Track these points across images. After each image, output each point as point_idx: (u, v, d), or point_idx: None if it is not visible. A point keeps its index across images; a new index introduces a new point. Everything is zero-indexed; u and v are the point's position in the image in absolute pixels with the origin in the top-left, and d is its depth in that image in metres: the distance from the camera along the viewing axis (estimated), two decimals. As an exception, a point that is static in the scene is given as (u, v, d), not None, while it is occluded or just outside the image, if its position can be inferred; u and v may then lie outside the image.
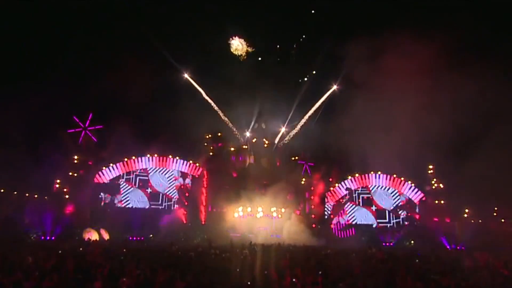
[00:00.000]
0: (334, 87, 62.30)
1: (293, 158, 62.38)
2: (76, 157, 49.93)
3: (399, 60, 48.53)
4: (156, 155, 53.96)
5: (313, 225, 55.39)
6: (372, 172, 59.00)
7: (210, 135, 61.05)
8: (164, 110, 56.74)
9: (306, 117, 65.88)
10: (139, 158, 53.02)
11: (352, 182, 59.35)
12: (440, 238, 48.48)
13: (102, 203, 50.51)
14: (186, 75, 62.44)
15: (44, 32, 56.64)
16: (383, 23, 57.42)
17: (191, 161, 55.84)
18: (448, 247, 47.34)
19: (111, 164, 51.33)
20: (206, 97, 64.13)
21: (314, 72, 65.05)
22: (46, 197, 47.73)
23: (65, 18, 58.27)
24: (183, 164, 55.61)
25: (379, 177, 59.23)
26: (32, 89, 51.09)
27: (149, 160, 53.72)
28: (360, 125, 51.52)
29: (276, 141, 64.28)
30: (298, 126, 64.98)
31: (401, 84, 48.39)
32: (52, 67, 57.65)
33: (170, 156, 54.88)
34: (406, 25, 51.63)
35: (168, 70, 63.39)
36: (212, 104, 64.22)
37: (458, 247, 46.39)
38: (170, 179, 55.15)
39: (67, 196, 47.56)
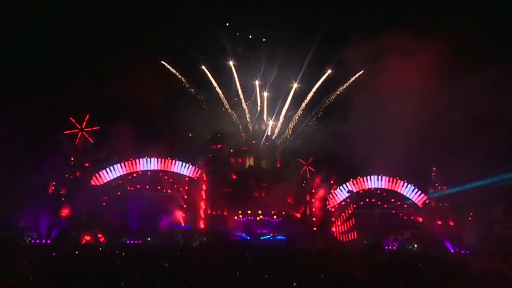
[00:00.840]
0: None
1: (294, 160, 61.72)
2: (72, 158, 49.16)
3: (401, 61, 48.23)
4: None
5: (314, 228, 54.55)
6: (374, 175, 58.13)
7: (209, 136, 60.44)
8: (163, 111, 56.42)
9: (307, 121, 65.63)
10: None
11: (352, 185, 58.52)
12: (444, 242, 47.55)
13: (99, 206, 49.58)
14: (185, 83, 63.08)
15: (42, 35, 56.57)
16: (380, 24, 57.52)
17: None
18: (452, 251, 46.48)
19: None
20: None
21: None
22: (41, 200, 46.81)
23: (62, 22, 58.29)
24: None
25: (381, 180, 58.31)
26: (28, 90, 50.74)
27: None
28: (363, 127, 51.12)
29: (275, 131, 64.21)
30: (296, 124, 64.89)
31: (405, 86, 48.03)
32: (50, 68, 57.41)
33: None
34: (403, 26, 51.57)
35: (167, 71, 63.41)
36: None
37: (462, 251, 45.58)
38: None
39: (63, 199, 46.64)
